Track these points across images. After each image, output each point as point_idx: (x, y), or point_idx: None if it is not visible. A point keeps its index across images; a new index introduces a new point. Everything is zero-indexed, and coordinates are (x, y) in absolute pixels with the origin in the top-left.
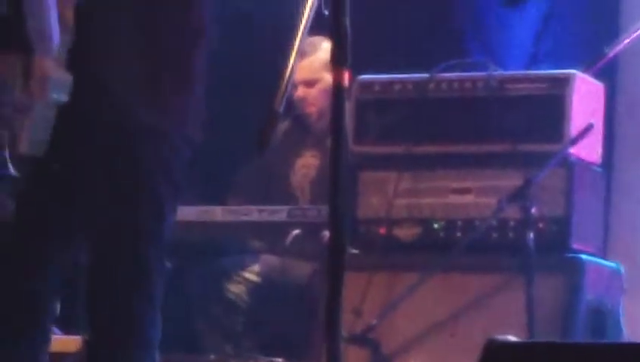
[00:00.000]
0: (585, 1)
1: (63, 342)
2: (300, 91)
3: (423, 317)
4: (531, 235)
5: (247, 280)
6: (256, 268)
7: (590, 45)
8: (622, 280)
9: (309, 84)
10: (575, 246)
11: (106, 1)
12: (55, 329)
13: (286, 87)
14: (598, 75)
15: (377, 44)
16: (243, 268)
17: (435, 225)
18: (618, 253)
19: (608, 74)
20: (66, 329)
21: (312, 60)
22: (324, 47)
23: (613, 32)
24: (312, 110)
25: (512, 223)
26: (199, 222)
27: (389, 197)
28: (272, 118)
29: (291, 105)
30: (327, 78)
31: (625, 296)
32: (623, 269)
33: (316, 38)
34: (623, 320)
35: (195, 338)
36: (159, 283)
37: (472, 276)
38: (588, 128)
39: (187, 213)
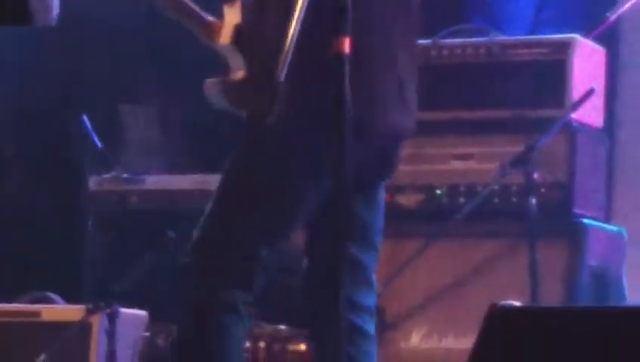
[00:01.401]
0: None
1: (66, 311)
2: None
3: (426, 284)
4: (534, 201)
5: None
6: None
7: (592, 9)
8: (624, 244)
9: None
10: (577, 211)
11: None
12: (58, 299)
13: (286, 55)
14: (599, 39)
15: None
16: None
17: (438, 191)
18: (621, 217)
19: (610, 37)
20: (70, 299)
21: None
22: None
23: None
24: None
25: (514, 189)
26: (203, 190)
27: None
28: (274, 87)
29: None
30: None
31: (627, 260)
32: (625, 233)
33: None
34: (625, 284)
35: None
36: None
37: (475, 242)
38: (589, 93)
39: (191, 181)
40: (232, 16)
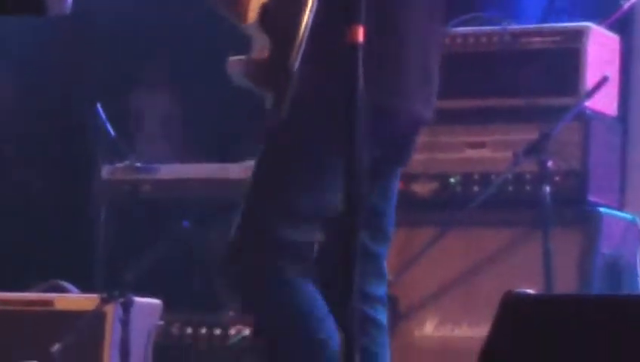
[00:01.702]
0: None
1: (79, 301)
2: None
3: (441, 272)
4: (547, 189)
5: None
6: None
7: None
8: (638, 232)
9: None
10: (591, 199)
11: None
12: (72, 288)
13: (300, 45)
14: (613, 27)
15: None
16: None
17: (452, 180)
18: (635, 205)
19: (624, 25)
20: (84, 288)
21: None
22: None
23: None
24: None
25: (528, 177)
26: (216, 179)
27: None
28: (288, 77)
29: None
30: None
31: None
32: (639, 221)
33: None
34: (639, 272)
35: (214, 296)
36: None
37: (489, 231)
38: (603, 81)
39: (204, 170)
40: None
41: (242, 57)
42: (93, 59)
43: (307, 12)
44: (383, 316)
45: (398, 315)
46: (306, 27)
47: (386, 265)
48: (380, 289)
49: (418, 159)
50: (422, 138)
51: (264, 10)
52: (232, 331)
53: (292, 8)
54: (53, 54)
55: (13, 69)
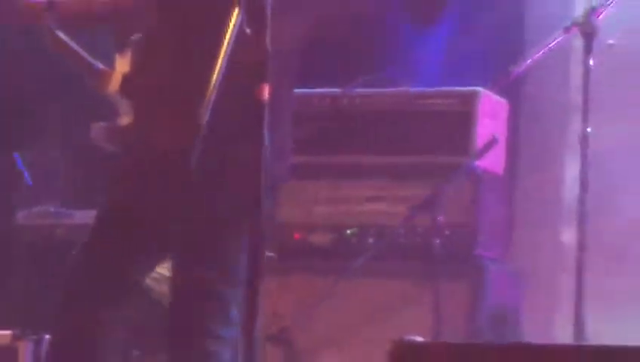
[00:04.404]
0: (492, 20)
1: None
2: None
3: (336, 320)
4: (438, 242)
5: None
6: None
7: (497, 61)
8: (523, 283)
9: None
10: (479, 252)
11: None
12: None
13: (209, 101)
14: (502, 92)
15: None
16: None
17: (349, 232)
18: (520, 258)
19: (512, 90)
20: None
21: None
22: None
23: (518, 50)
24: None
25: (420, 230)
26: None
27: (307, 204)
28: (197, 131)
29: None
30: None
31: (526, 298)
32: (524, 272)
33: None
34: (523, 321)
35: None
36: None
37: (383, 280)
38: (492, 142)
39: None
40: (122, 65)
41: (104, 124)
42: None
43: (216, 73)
44: (226, 353)
45: (294, 358)
46: (214, 87)
47: (284, 310)
48: (227, 331)
49: (319, 211)
50: (323, 191)
51: (125, 80)
52: None
53: (155, 73)
54: None
55: None
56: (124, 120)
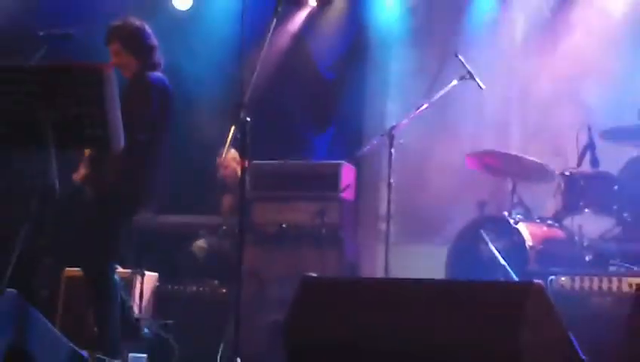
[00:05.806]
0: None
1: None
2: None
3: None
4: (324, 231)
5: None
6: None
7: (355, 148)
8: (360, 249)
9: (226, 167)
10: (341, 236)
11: None
12: None
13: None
14: (354, 164)
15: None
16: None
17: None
18: (360, 236)
19: (359, 162)
20: None
21: (229, 156)
22: (232, 152)
23: (359, 141)
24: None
25: (316, 225)
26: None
27: None
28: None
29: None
30: (234, 164)
31: (362, 257)
32: (361, 244)
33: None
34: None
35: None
36: None
37: (302, 251)
38: (347, 186)
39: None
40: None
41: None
42: None
43: (225, 151)
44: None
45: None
46: (224, 159)
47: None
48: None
49: None
50: None
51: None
52: None
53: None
54: None
55: None
56: (78, 174)
